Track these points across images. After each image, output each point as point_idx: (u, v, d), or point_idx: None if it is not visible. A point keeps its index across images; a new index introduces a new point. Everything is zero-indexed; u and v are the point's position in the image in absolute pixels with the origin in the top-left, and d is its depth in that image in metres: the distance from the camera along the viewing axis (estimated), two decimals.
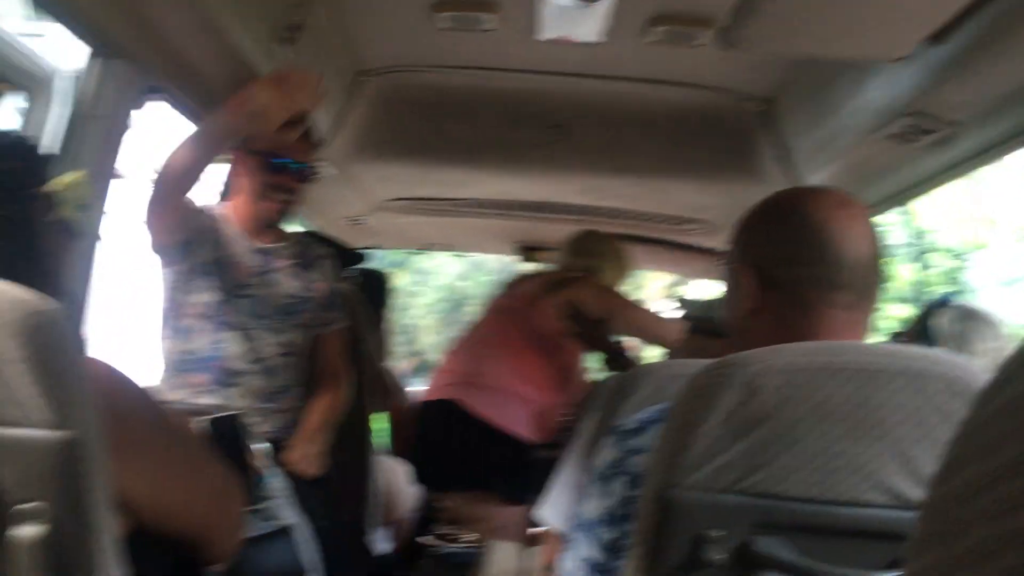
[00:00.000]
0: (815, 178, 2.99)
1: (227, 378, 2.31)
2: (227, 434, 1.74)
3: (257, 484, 1.82)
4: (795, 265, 1.21)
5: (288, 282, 2.46)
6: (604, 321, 3.08)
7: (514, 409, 3.01)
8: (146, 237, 2.28)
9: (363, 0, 2.53)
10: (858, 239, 1.19)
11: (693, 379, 1.08)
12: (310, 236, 2.80)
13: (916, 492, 1.03)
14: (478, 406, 3.00)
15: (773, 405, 1.02)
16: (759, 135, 3.07)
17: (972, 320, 1.92)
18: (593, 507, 1.30)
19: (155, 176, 2.17)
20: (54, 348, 0.96)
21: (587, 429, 1.84)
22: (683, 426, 1.06)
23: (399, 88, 3.10)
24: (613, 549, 1.25)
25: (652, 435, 1.23)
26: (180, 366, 2.32)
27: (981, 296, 11.98)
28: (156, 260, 2.34)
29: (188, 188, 2.21)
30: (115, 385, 1.18)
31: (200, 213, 2.36)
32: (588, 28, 2.55)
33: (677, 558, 1.05)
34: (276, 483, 1.96)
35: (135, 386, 1.23)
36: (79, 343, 1.07)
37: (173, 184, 2.16)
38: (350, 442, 2.80)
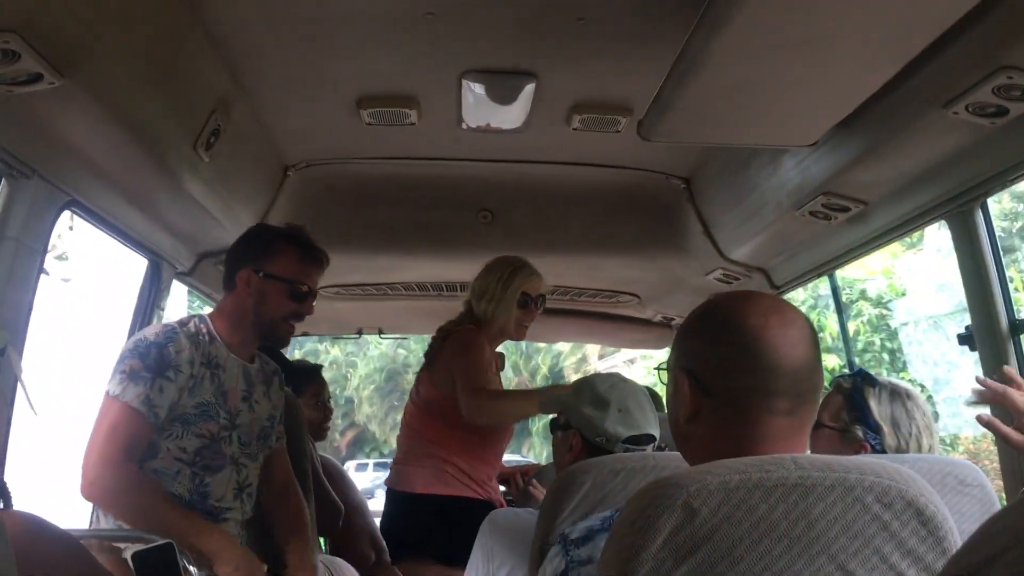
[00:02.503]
0: (738, 252, 3.07)
1: (215, 517, 2.16)
2: (161, 563, 1.67)
3: None
4: (731, 373, 1.20)
5: (264, 400, 2.36)
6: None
7: (427, 474, 2.99)
8: None
9: (285, 100, 2.53)
10: (794, 345, 1.18)
11: (632, 501, 1.07)
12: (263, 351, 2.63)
13: None
14: (399, 482, 3.07)
15: (712, 526, 1.02)
16: (682, 211, 3.14)
17: (900, 400, 1.96)
18: None
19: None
20: None
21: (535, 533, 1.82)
22: (626, 550, 1.04)
23: (326, 179, 3.11)
24: None
25: (597, 545, 1.22)
26: None
27: (906, 337, 12.35)
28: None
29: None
30: (38, 539, 1.13)
31: (199, 344, 2.19)
32: (510, 117, 2.60)
33: None
34: None
35: (62, 536, 1.18)
36: None
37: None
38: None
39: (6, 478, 1.28)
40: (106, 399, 2.05)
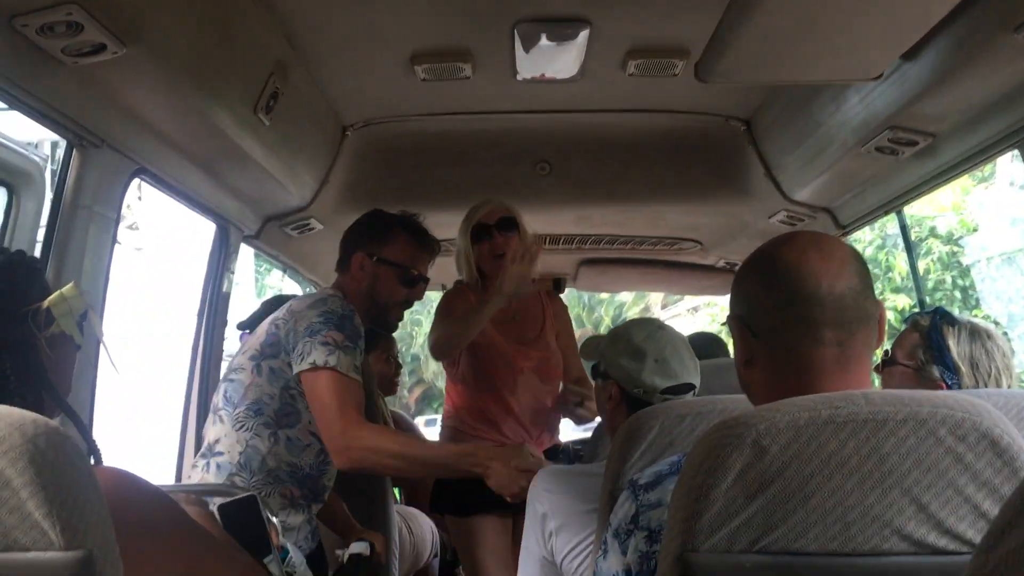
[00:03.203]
0: (802, 193, 3.01)
1: (317, 495, 2.25)
2: (246, 515, 1.74)
3: (282, 560, 1.82)
4: (774, 311, 1.21)
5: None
6: None
7: (445, 432, 3.00)
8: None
9: (340, 60, 2.55)
10: (835, 275, 1.18)
11: (701, 442, 1.08)
12: None
13: (935, 537, 1.03)
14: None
15: (782, 463, 1.02)
16: (743, 154, 3.09)
17: (980, 340, 1.91)
18: (612, 563, 1.30)
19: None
20: (61, 468, 0.96)
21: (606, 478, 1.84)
22: (696, 489, 1.06)
23: (384, 139, 3.13)
24: None
25: (666, 489, 1.23)
26: (277, 475, 2.17)
27: (978, 274, 12.02)
28: (276, 363, 2.18)
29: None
30: (130, 493, 1.18)
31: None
32: (565, 66, 2.58)
33: None
34: (297, 558, 1.96)
35: (151, 489, 1.23)
36: (86, 457, 1.07)
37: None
38: (371, 494, 2.80)
39: (94, 436, 1.34)
40: (317, 372, 2.10)
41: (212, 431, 2.21)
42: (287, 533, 2.13)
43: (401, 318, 2.48)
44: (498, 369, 2.89)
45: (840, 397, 1.06)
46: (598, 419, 2.51)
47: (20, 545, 0.93)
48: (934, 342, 1.93)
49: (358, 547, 2.40)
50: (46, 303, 1.19)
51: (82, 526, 0.95)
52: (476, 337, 2.77)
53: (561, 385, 3.00)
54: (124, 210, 2.57)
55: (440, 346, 2.81)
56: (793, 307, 1.19)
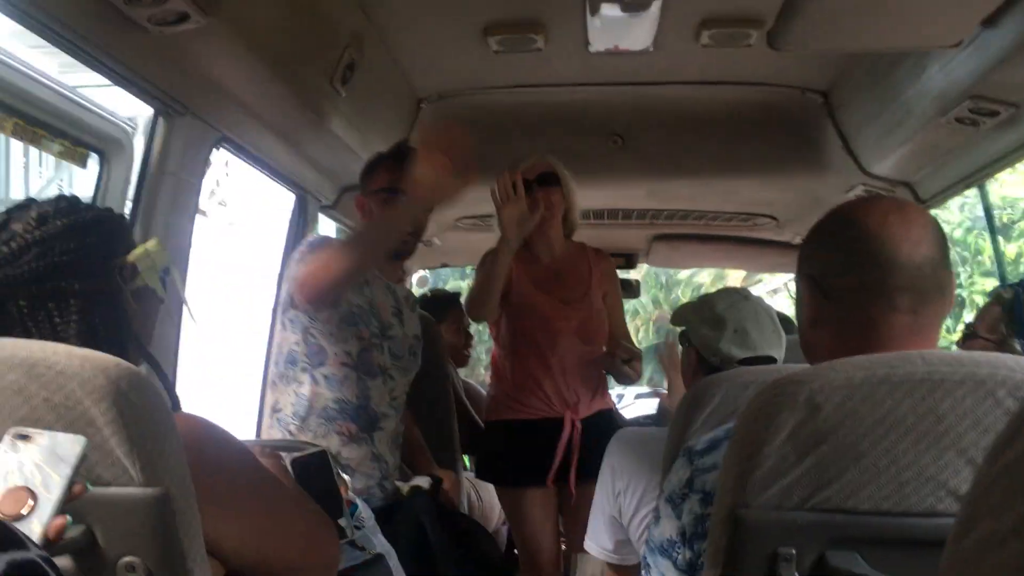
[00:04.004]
0: (880, 166, 2.94)
1: (373, 424, 2.30)
2: (317, 470, 1.80)
3: (350, 515, 1.87)
4: (849, 272, 1.20)
5: (412, 320, 2.47)
6: None
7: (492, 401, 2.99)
8: (298, 293, 2.16)
9: (414, 32, 2.59)
10: (914, 242, 1.17)
11: (754, 399, 1.09)
12: None
13: None
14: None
15: (836, 421, 1.03)
16: (820, 127, 3.04)
17: None
18: (665, 528, 1.31)
19: (338, 249, 2.14)
20: (142, 409, 1.02)
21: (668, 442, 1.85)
22: (748, 446, 1.07)
23: (457, 111, 3.16)
24: (690, 570, 1.27)
25: (722, 453, 1.24)
26: (327, 414, 2.26)
27: None
28: (291, 313, 2.26)
29: (369, 266, 2.25)
30: (207, 438, 1.23)
31: None
32: (637, 37, 2.57)
33: None
34: (366, 513, 2.02)
35: (227, 437, 1.28)
36: (166, 402, 1.13)
37: (359, 262, 2.11)
38: (438, 459, 2.86)
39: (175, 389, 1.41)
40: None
41: (270, 397, 2.34)
42: (356, 472, 2.25)
43: (407, 241, 2.41)
44: (538, 330, 2.83)
45: (896, 357, 1.05)
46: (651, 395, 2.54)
47: (103, 480, 0.99)
48: (1017, 315, 1.89)
49: (420, 480, 2.44)
50: (131, 257, 1.25)
51: (160, 465, 1.00)
52: (515, 298, 2.79)
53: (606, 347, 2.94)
54: (213, 186, 2.67)
55: (468, 303, 2.82)
56: (870, 271, 1.18)
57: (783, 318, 3.28)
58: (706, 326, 1.99)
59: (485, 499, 3.50)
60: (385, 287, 2.40)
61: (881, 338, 1.18)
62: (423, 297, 3.92)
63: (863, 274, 1.19)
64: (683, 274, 21.39)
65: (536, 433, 2.81)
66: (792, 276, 1.49)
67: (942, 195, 2.99)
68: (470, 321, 3.89)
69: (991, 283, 9.30)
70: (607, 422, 2.85)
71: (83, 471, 0.95)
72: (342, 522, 1.81)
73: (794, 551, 1.04)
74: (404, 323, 2.42)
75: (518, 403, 2.85)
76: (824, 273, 1.24)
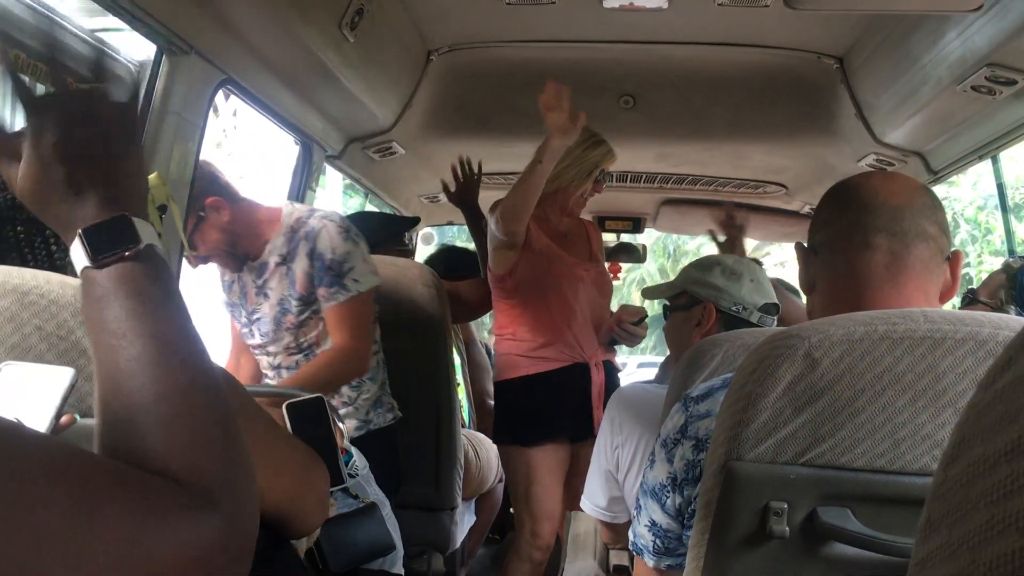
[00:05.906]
0: (894, 135, 2.91)
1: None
2: (312, 416, 1.80)
3: (344, 463, 1.88)
4: (831, 223, 1.23)
5: (280, 284, 2.31)
6: None
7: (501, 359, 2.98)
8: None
9: None
10: (895, 190, 1.19)
11: (753, 352, 1.08)
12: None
13: None
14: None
15: (833, 376, 1.02)
16: (834, 93, 3.00)
17: None
18: (657, 473, 1.32)
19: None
20: None
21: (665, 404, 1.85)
22: (745, 399, 1.06)
23: (468, 65, 3.12)
24: (679, 515, 1.27)
25: (716, 400, 1.24)
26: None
27: None
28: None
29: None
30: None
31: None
32: None
33: (742, 529, 1.06)
34: (360, 462, 2.02)
35: (224, 375, 1.28)
36: None
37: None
38: (437, 416, 2.85)
39: None
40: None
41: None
42: (372, 411, 2.38)
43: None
44: (564, 277, 2.84)
45: (898, 314, 1.04)
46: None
47: (93, 411, 0.99)
48: (1019, 284, 1.88)
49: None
50: None
51: None
52: (538, 245, 2.79)
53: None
54: (220, 136, 2.63)
55: (505, 213, 2.67)
56: (847, 214, 1.20)
57: (792, 288, 3.28)
58: (722, 278, 2.06)
59: (483, 456, 3.50)
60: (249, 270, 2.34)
61: (859, 278, 1.19)
62: (442, 251, 3.84)
63: (842, 219, 1.21)
64: (690, 244, 21.35)
65: (558, 383, 2.83)
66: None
67: (954, 165, 2.95)
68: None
69: (1000, 263, 9.26)
70: (611, 372, 2.96)
71: (73, 402, 0.95)
72: (339, 469, 1.82)
73: (786, 505, 1.03)
74: (268, 294, 2.31)
75: (538, 356, 2.86)
76: (813, 232, 1.27)
